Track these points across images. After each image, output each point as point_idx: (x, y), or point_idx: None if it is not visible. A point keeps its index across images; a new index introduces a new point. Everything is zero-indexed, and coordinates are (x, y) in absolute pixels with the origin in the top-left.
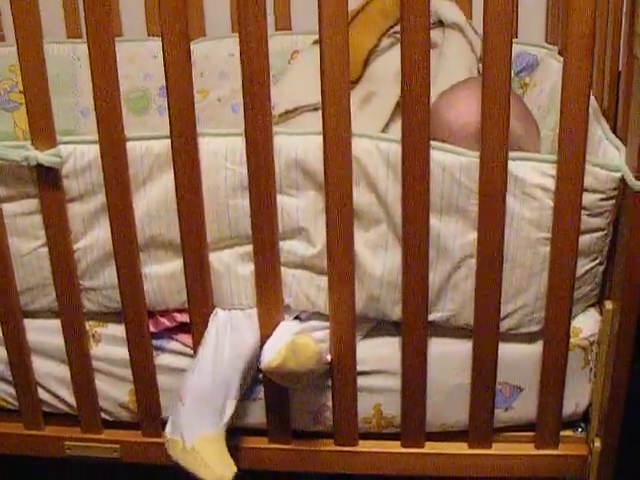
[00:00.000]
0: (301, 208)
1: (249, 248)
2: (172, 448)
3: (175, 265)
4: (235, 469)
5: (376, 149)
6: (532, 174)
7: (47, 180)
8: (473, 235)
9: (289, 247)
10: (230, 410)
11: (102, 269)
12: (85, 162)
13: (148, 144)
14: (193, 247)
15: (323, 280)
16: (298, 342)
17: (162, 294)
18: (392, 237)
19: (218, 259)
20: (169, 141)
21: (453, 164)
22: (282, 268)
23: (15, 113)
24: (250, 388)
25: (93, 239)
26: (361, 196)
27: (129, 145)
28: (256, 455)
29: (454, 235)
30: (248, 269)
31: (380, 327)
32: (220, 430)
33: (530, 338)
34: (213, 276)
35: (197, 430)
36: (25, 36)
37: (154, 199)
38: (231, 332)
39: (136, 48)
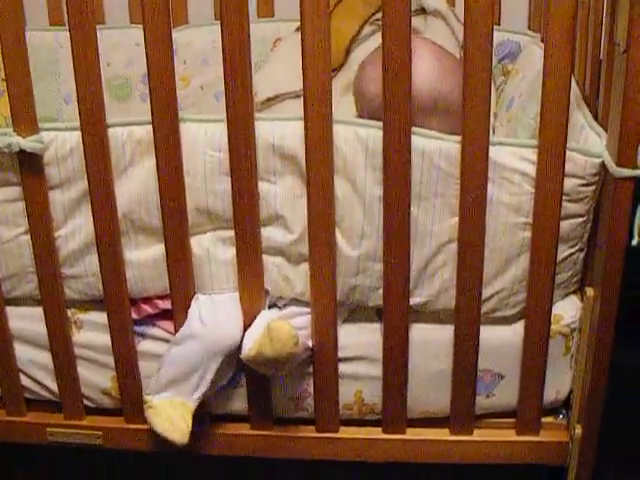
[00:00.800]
0: (279, 194)
1: (229, 233)
2: (144, 406)
3: (156, 251)
4: (187, 439)
5: (355, 135)
6: (511, 159)
7: (29, 167)
8: (451, 221)
9: (267, 234)
10: (203, 389)
11: (83, 257)
12: (67, 149)
13: (129, 130)
14: (174, 232)
15: (302, 266)
16: (272, 326)
17: (143, 281)
18: (368, 225)
19: (198, 243)
20: (150, 127)
21: (432, 149)
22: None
23: None
24: (232, 375)
25: (75, 226)
26: (338, 186)
27: (110, 131)
28: (238, 442)
29: (432, 221)
30: (229, 253)
31: (361, 313)
32: (188, 401)
33: (507, 321)
34: (193, 261)
35: (165, 394)
36: (7, 22)
37: (135, 185)
38: (214, 317)
39: (118, 35)
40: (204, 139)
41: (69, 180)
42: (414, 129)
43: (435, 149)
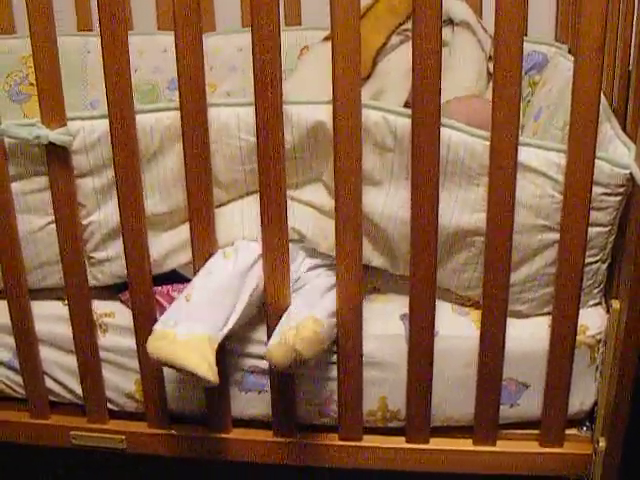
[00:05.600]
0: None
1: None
2: (158, 339)
3: (181, 230)
4: (217, 379)
5: (383, 120)
6: (536, 161)
7: (57, 157)
8: (470, 217)
9: (308, 192)
10: (232, 323)
11: (116, 240)
12: (95, 137)
13: (157, 116)
14: (200, 210)
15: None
16: (304, 335)
17: (167, 255)
18: (393, 192)
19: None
20: (178, 113)
21: (457, 143)
22: (299, 205)
23: (25, 105)
24: (255, 381)
25: (107, 212)
26: (367, 160)
27: (138, 118)
28: (260, 448)
29: (452, 214)
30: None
31: (385, 318)
32: (217, 336)
33: (516, 316)
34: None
35: (195, 327)
36: (37, 16)
37: (164, 171)
38: (246, 250)
39: (146, 42)
40: (237, 123)
41: (99, 167)
42: (443, 120)
43: (460, 142)
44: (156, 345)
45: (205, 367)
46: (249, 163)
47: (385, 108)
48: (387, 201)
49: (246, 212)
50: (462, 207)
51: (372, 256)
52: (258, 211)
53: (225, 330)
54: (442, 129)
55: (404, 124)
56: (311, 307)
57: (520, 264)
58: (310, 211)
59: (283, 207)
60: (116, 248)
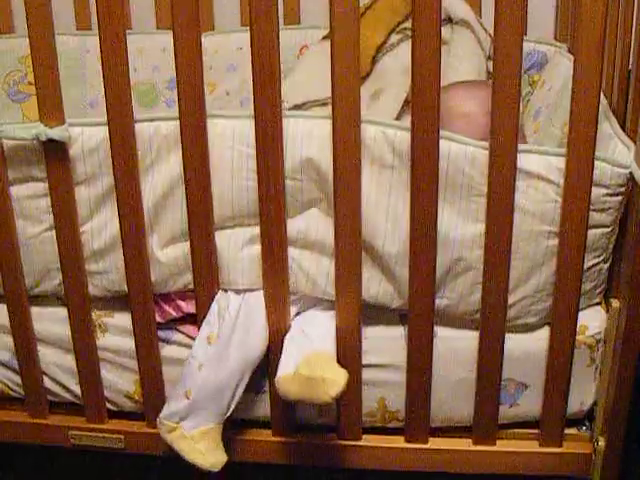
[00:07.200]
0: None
1: (250, 230)
2: (166, 431)
3: (181, 246)
4: (226, 459)
5: (382, 135)
6: (537, 167)
7: (55, 161)
8: (475, 227)
9: (298, 227)
10: (233, 407)
11: (109, 253)
12: (93, 144)
13: (156, 125)
14: (200, 227)
15: (324, 262)
16: (328, 378)
17: (166, 275)
18: (391, 224)
19: (221, 238)
20: (177, 122)
21: (458, 153)
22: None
23: (24, 104)
24: (254, 381)
25: (100, 222)
26: (364, 182)
27: (137, 127)
28: (260, 448)
29: (456, 226)
30: (251, 250)
31: (385, 319)
32: (220, 424)
33: (528, 329)
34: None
35: (199, 423)
36: (36, 14)
37: (161, 180)
38: (241, 330)
39: (145, 41)
40: (232, 135)
41: (95, 175)
42: (442, 132)
43: (461, 153)
44: (167, 436)
45: (211, 461)
46: (238, 179)
47: (384, 123)
48: (387, 226)
49: (232, 250)
50: (464, 219)
51: (370, 290)
52: (242, 249)
53: (227, 415)
54: (441, 141)
55: (403, 136)
56: (314, 340)
57: (529, 275)
58: (295, 254)
59: (282, 207)
60: (108, 262)
